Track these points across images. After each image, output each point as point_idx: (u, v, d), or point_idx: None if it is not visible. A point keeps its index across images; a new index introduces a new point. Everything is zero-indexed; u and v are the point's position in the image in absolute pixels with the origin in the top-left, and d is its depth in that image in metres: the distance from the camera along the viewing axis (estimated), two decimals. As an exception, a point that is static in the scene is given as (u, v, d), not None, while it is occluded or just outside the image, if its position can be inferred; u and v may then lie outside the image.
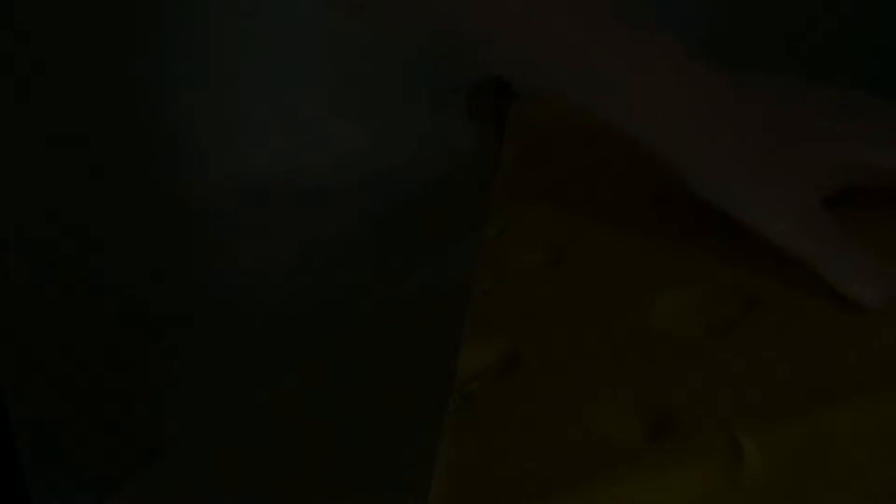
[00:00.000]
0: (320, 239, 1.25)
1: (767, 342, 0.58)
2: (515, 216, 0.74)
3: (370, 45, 1.20)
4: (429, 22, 0.66)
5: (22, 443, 0.97)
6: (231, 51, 1.18)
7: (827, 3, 1.22)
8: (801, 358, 0.56)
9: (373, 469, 0.88)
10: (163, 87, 1.18)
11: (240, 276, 1.25)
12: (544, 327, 0.63)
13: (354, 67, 1.21)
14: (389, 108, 1.23)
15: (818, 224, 0.61)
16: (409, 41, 1.23)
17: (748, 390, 0.55)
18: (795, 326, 0.58)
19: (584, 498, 0.52)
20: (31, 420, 1.23)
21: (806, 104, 0.65)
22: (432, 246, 0.99)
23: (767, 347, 0.57)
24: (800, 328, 0.58)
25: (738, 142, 0.63)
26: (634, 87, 0.64)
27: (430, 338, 0.84)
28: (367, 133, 1.23)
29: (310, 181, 1.23)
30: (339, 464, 0.90)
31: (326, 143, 1.22)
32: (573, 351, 0.60)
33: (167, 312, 1.27)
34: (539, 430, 0.56)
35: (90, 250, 1.24)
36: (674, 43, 0.64)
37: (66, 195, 1.22)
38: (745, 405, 0.54)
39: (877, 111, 0.66)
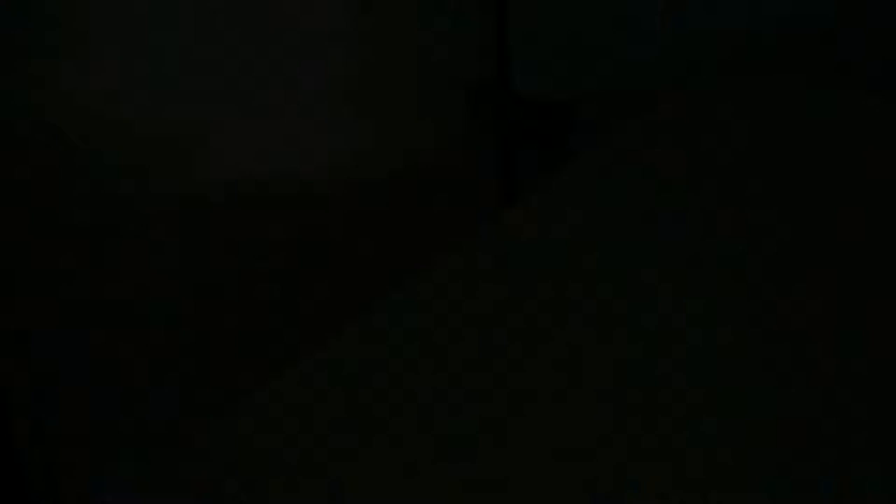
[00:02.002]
0: (319, 239, 1.25)
1: None
2: None
3: (370, 45, 1.20)
4: None
5: None
6: (232, 52, 1.18)
7: (826, 3, 1.22)
8: None
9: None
10: (159, 88, 1.18)
11: (238, 274, 1.25)
12: None
13: (355, 68, 1.21)
14: (389, 109, 1.23)
15: None
16: (409, 41, 1.23)
17: None
18: None
19: None
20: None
21: None
22: (432, 245, 0.99)
23: None
24: None
25: None
26: None
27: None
28: (367, 133, 1.23)
29: (309, 181, 1.23)
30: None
31: (326, 143, 1.22)
32: None
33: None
34: None
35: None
36: None
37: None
38: None
39: None
